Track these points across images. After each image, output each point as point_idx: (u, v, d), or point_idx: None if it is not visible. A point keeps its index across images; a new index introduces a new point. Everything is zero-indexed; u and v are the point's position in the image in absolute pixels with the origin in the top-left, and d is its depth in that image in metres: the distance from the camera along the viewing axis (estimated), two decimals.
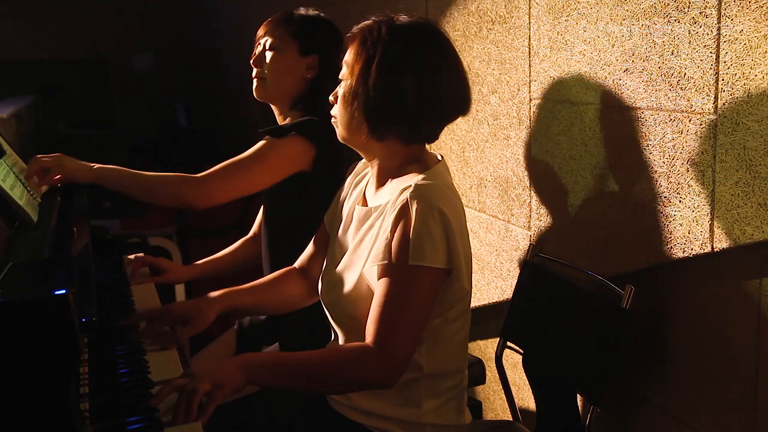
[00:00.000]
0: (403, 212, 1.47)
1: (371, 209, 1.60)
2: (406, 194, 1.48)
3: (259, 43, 2.17)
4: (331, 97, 1.61)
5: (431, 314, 1.50)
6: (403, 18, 1.55)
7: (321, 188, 1.99)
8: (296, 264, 1.89)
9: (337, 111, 1.59)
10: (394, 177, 1.60)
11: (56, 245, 1.51)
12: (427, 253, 1.44)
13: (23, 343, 1.07)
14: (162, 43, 7.28)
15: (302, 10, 2.19)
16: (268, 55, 2.13)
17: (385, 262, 1.48)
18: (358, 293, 1.55)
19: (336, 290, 1.61)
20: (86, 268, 1.55)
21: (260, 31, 2.19)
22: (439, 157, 1.63)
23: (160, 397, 1.37)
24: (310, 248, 1.87)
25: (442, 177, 1.56)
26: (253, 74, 2.16)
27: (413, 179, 1.52)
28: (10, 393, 1.07)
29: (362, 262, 1.55)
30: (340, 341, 1.63)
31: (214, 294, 1.77)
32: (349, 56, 1.56)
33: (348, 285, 1.57)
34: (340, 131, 1.60)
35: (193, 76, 7.28)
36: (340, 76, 1.59)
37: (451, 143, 2.54)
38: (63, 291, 1.07)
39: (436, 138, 1.64)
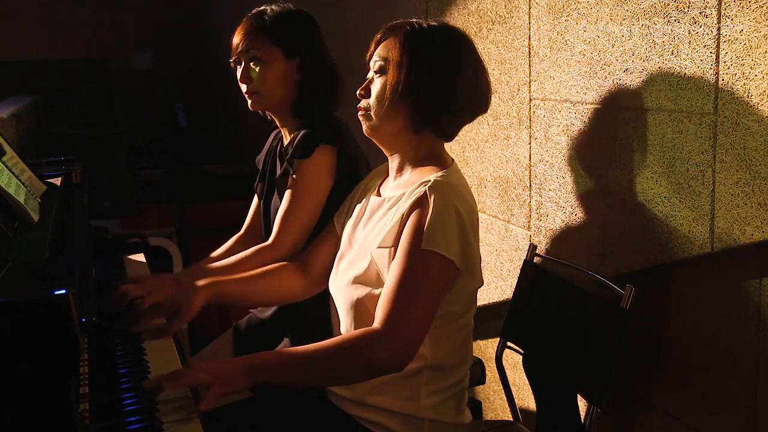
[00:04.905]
0: (419, 202, 1.50)
1: (385, 199, 1.64)
2: (425, 187, 1.51)
3: (240, 58, 2.04)
4: (361, 91, 1.62)
5: (439, 304, 1.50)
6: (432, 21, 1.62)
7: (337, 191, 1.96)
8: (296, 260, 1.89)
9: (371, 104, 1.60)
10: (412, 169, 1.63)
11: (56, 245, 1.50)
12: (440, 242, 1.46)
13: (23, 343, 1.07)
14: (162, 43, 7.28)
15: (273, 8, 2.06)
16: (255, 68, 2.02)
17: (394, 246, 1.51)
18: (366, 278, 1.57)
19: (345, 276, 1.63)
20: (86, 268, 1.55)
21: (236, 42, 2.03)
22: (453, 159, 1.67)
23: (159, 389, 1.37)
24: (315, 245, 1.87)
25: (458, 177, 1.61)
26: (244, 90, 2.05)
27: (432, 174, 1.56)
28: (10, 393, 1.07)
29: (373, 246, 1.57)
30: (343, 329, 1.63)
31: (201, 282, 1.74)
32: (389, 52, 1.58)
33: (357, 270, 1.59)
34: (372, 123, 1.61)
35: (193, 76, 7.29)
36: (375, 69, 1.61)
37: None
38: (63, 291, 1.07)
39: (456, 135, 1.68)
